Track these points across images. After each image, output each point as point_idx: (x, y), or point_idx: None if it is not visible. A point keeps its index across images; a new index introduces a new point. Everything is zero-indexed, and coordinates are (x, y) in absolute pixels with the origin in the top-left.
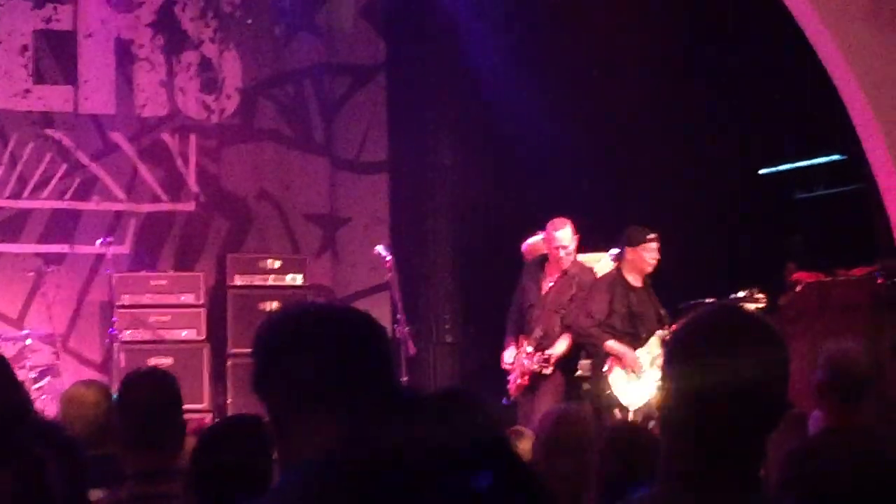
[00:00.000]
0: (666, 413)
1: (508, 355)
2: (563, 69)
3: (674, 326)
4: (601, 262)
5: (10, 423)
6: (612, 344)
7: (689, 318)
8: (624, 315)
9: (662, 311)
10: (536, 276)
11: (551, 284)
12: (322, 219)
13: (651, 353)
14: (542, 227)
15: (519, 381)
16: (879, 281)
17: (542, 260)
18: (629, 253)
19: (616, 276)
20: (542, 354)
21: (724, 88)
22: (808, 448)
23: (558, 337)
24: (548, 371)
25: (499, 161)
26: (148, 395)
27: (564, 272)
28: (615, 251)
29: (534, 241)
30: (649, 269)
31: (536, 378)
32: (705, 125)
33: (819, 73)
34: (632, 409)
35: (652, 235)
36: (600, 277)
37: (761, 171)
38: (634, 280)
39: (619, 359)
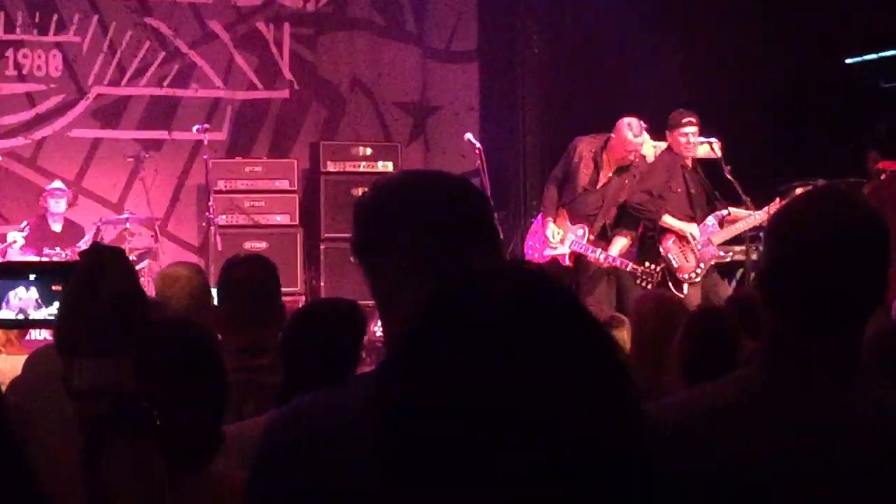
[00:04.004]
0: (769, 289)
1: (555, 233)
2: None
3: (779, 201)
4: None
5: (127, 313)
6: (669, 219)
7: (797, 197)
8: (681, 195)
9: (716, 193)
10: (598, 159)
11: (611, 175)
12: (413, 107)
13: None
14: (629, 114)
15: (564, 260)
16: None
17: (605, 144)
18: (669, 139)
19: (672, 157)
20: (611, 258)
21: None
22: (892, 332)
23: (614, 230)
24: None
25: (586, 50)
26: (250, 278)
27: (626, 167)
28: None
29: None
30: (686, 155)
31: (580, 260)
32: (793, 14)
33: None
34: (686, 287)
35: (689, 119)
36: (657, 157)
37: (848, 61)
38: (685, 160)
39: (677, 236)
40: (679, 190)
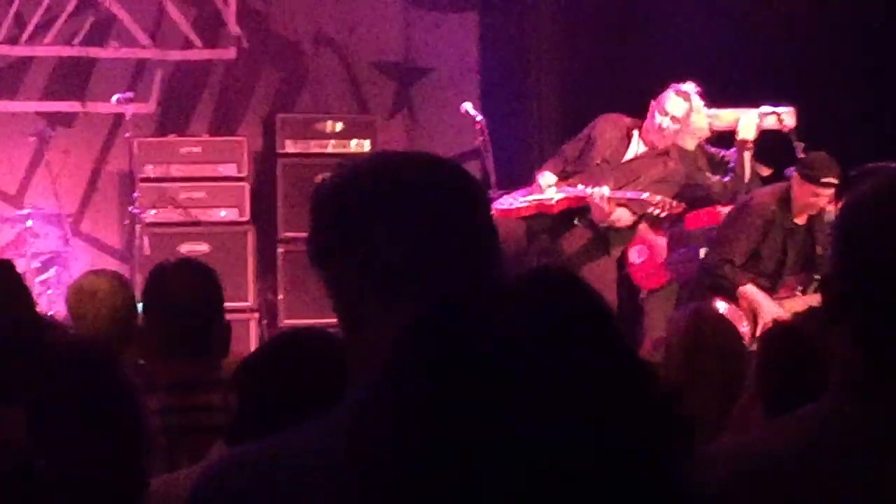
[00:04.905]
0: (840, 302)
1: (549, 179)
2: None
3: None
4: (743, 120)
5: (18, 349)
6: (749, 290)
7: (868, 186)
8: (775, 260)
9: (819, 251)
10: (629, 136)
11: (642, 152)
12: (396, 69)
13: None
14: (673, 80)
15: (551, 203)
16: None
17: (642, 122)
18: (796, 184)
19: (778, 211)
20: (617, 192)
21: None
22: None
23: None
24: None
25: None
26: (183, 290)
27: (665, 151)
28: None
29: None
30: (811, 212)
31: (569, 217)
32: None
33: None
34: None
35: (829, 180)
36: (759, 207)
37: None
38: (798, 215)
39: (748, 307)
40: (776, 255)
